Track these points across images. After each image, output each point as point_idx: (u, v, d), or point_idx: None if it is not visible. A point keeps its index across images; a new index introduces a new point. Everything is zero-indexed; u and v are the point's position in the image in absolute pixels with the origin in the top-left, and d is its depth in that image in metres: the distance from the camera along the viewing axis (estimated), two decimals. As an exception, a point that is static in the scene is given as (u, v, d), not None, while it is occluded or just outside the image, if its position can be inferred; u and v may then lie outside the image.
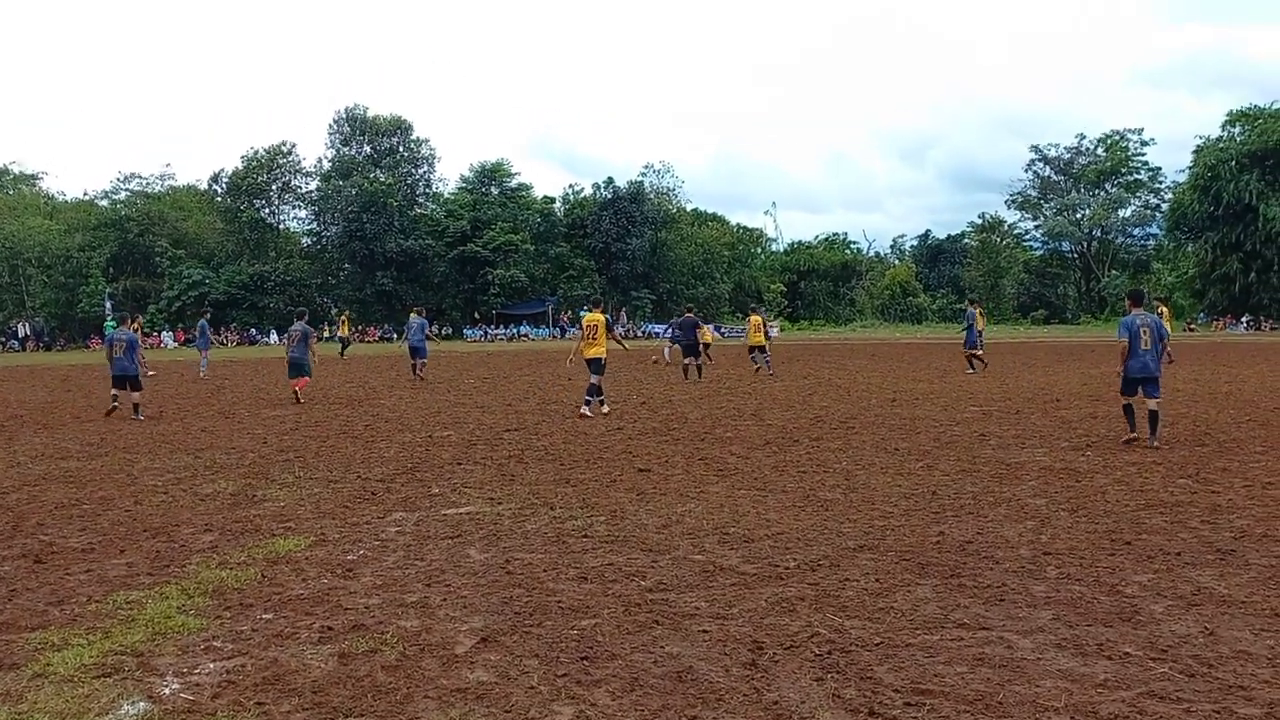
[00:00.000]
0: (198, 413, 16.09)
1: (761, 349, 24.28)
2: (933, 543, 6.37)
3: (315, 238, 72.74)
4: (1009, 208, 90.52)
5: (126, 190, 70.33)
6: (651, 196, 74.26)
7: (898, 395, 17.05)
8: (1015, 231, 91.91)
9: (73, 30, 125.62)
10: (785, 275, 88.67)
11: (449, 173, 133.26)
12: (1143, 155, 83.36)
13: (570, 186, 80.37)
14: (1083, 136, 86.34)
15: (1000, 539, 6.44)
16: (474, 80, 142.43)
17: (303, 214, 72.77)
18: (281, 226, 72.88)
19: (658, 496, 8.10)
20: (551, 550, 6.33)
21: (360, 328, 60.50)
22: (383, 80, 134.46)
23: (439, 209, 72.08)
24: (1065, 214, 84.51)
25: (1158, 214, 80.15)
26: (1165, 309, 27.18)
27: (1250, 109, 65.34)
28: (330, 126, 72.21)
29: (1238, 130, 65.00)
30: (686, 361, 22.38)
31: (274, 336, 60.38)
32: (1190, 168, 67.20)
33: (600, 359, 14.53)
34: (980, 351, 23.40)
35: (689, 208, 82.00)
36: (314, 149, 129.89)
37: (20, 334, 58.66)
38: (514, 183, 73.63)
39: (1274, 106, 63.48)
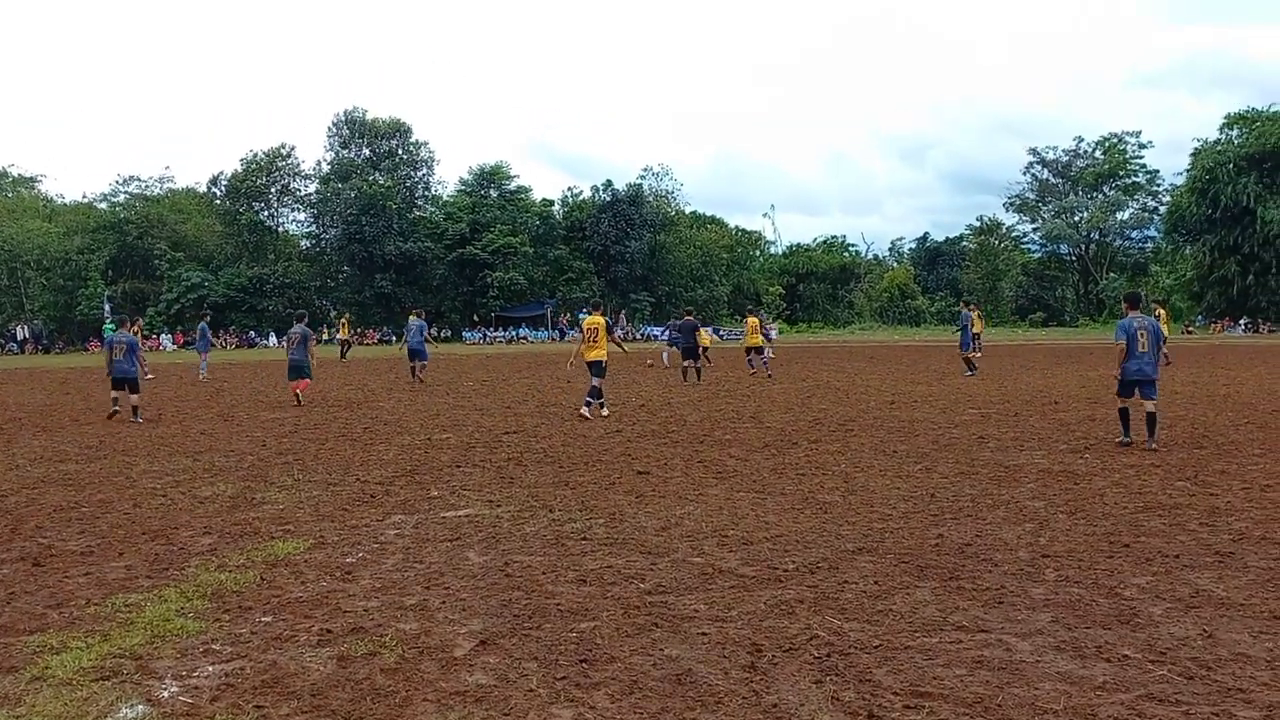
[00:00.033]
0: (197, 415, 16.08)
1: (759, 350, 24.30)
2: (931, 545, 6.37)
3: (314, 240, 72.74)
4: (1007, 210, 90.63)
5: (125, 193, 70.41)
6: (650, 199, 74.27)
7: (896, 398, 17.06)
8: (1013, 234, 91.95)
9: (72, 33, 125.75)
10: (784, 278, 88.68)
11: (448, 175, 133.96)
12: (1140, 158, 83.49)
13: (569, 189, 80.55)
14: (1081, 139, 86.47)
15: (999, 541, 6.45)
16: (473, 83, 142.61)
17: (302, 217, 72.82)
18: (280, 229, 72.86)
19: (656, 499, 8.10)
20: (550, 553, 6.33)
21: (359, 330, 60.50)
22: (382, 83, 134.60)
23: (438, 211, 72.09)
24: (1063, 216, 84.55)
25: (1156, 217, 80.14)
26: (1163, 311, 27.22)
27: (1248, 112, 65.39)
28: (329, 129, 72.26)
29: (1236, 133, 65.02)
30: (686, 364, 22.40)
31: (273, 339, 60.39)
32: (1188, 170, 67.21)
33: (601, 362, 14.59)
34: (972, 354, 23.42)
35: (688, 210, 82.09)
36: (313, 152, 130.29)
37: (19, 337, 58.64)
38: (513, 185, 73.67)
39: (1272, 109, 63.52)
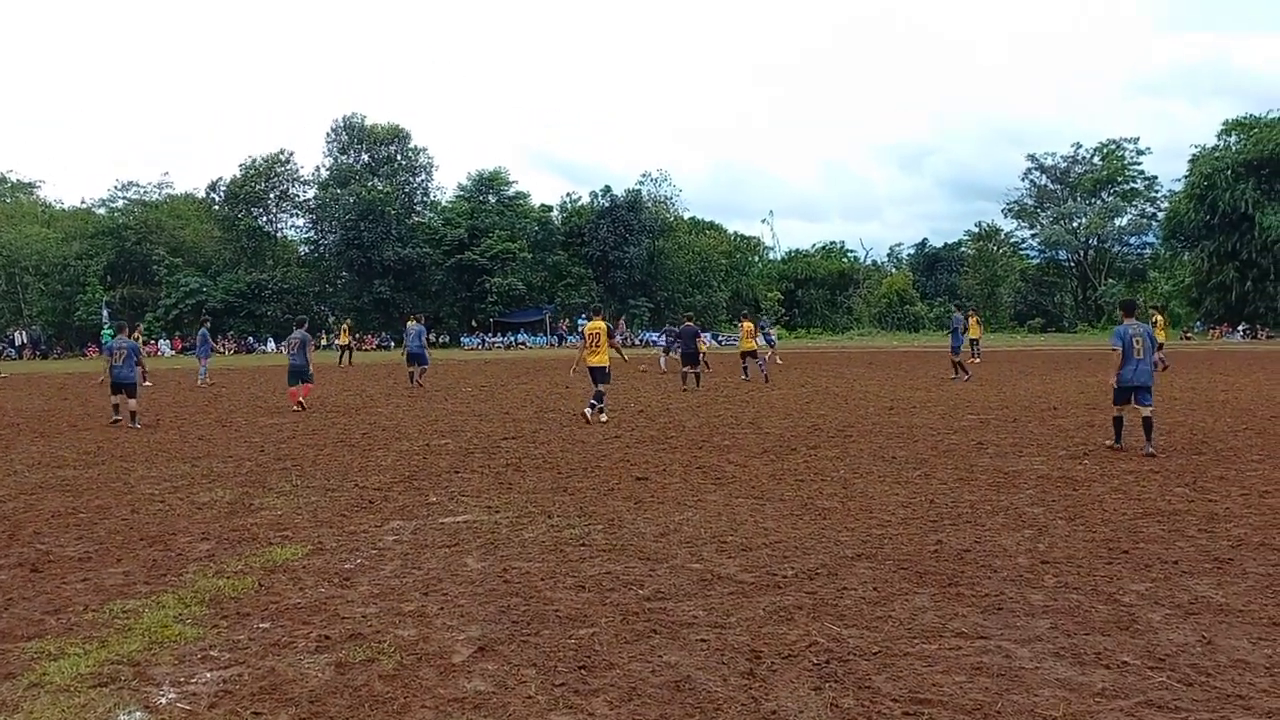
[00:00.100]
0: (195, 421, 16.07)
1: (753, 354, 24.30)
2: (930, 551, 6.37)
3: (313, 246, 72.79)
4: (1006, 216, 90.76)
5: (124, 198, 70.47)
6: (649, 205, 74.32)
7: (895, 403, 17.06)
8: (1012, 240, 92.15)
9: (71, 39, 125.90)
10: (782, 284, 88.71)
11: (447, 181, 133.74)
12: (1139, 164, 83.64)
13: (568, 195, 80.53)
14: (1079, 145, 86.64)
15: (998, 547, 6.44)
16: (472, 89, 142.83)
17: (300, 222, 72.88)
18: (279, 235, 72.90)
19: (655, 505, 8.10)
20: (549, 559, 6.32)
21: (358, 336, 60.52)
22: (381, 89, 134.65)
23: (436, 217, 72.09)
24: (1062, 223, 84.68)
25: (1154, 223, 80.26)
26: (1160, 317, 27.28)
27: (1246, 118, 65.57)
28: (328, 135, 72.32)
29: (1234, 139, 65.21)
30: (685, 370, 22.39)
31: (271, 344, 60.35)
32: (1186, 177, 67.36)
33: (604, 368, 14.65)
34: (960, 359, 23.46)
35: (686, 216, 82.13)
36: (312, 157, 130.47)
37: (17, 342, 58.59)
38: (511, 191, 73.69)
39: (1270, 116, 63.70)
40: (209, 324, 31.26)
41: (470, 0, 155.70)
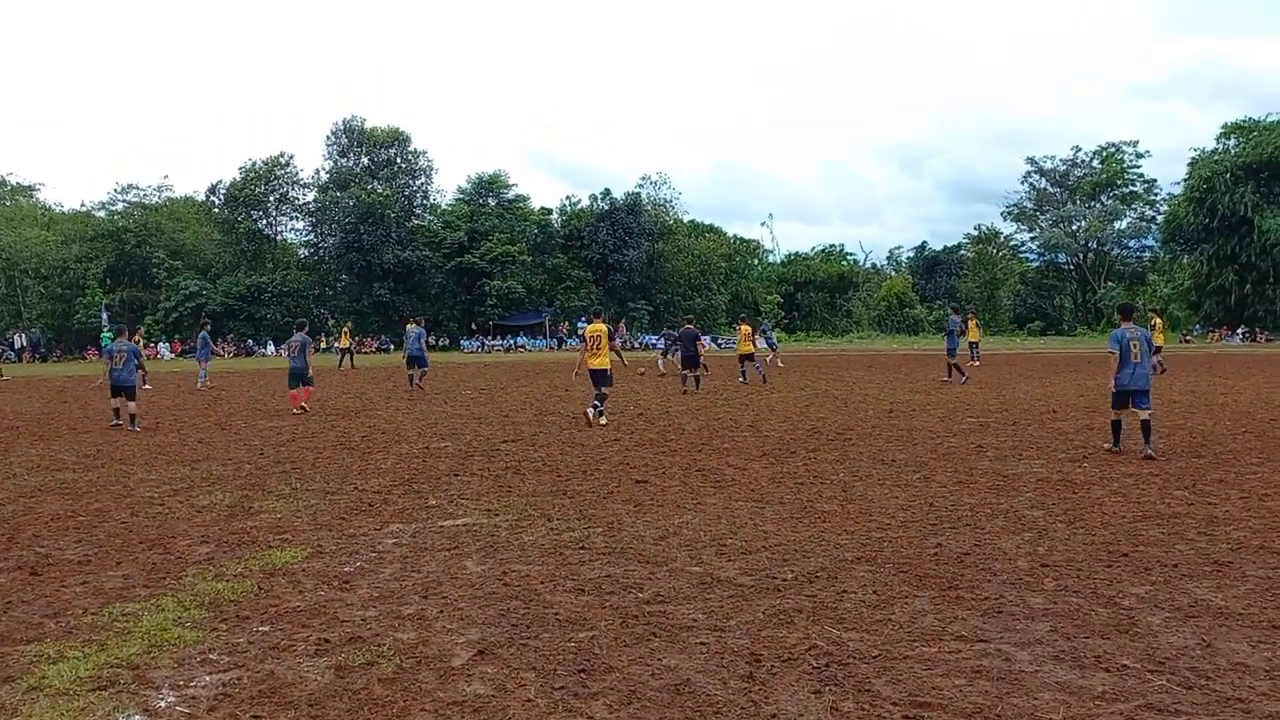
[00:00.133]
0: (194, 424, 16.06)
1: (751, 358, 24.31)
2: (930, 554, 6.37)
3: (312, 249, 72.81)
4: (1005, 219, 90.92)
5: (124, 201, 70.50)
6: (648, 208, 74.40)
7: (894, 406, 17.06)
8: (1011, 243, 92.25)
9: (71, 43, 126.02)
10: (782, 286, 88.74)
11: (446, 184, 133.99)
12: (1138, 167, 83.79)
13: (567, 198, 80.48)
14: (1078, 149, 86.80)
15: (998, 551, 6.44)
16: (471, 92, 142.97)
17: (300, 225, 72.92)
18: (279, 238, 72.94)
19: (655, 508, 8.10)
20: (549, 562, 6.32)
21: (358, 339, 60.52)
22: (381, 92, 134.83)
23: (436, 220, 72.13)
24: (1061, 226, 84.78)
25: (1153, 226, 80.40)
26: (1159, 320, 27.30)
27: (1245, 121, 65.66)
28: (328, 138, 72.35)
29: (1233, 142, 65.28)
30: (685, 373, 22.38)
31: (271, 347, 60.35)
32: (1186, 180, 67.45)
33: (606, 371, 14.66)
34: (956, 361, 23.47)
35: (686, 219, 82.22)
36: (312, 160, 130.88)
37: (16, 345, 58.59)
38: (511, 194, 73.75)
39: (1269, 119, 63.80)
40: (209, 327, 31.26)
41: (470, 2, 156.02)
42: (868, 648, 4.58)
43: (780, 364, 32.30)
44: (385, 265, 65.30)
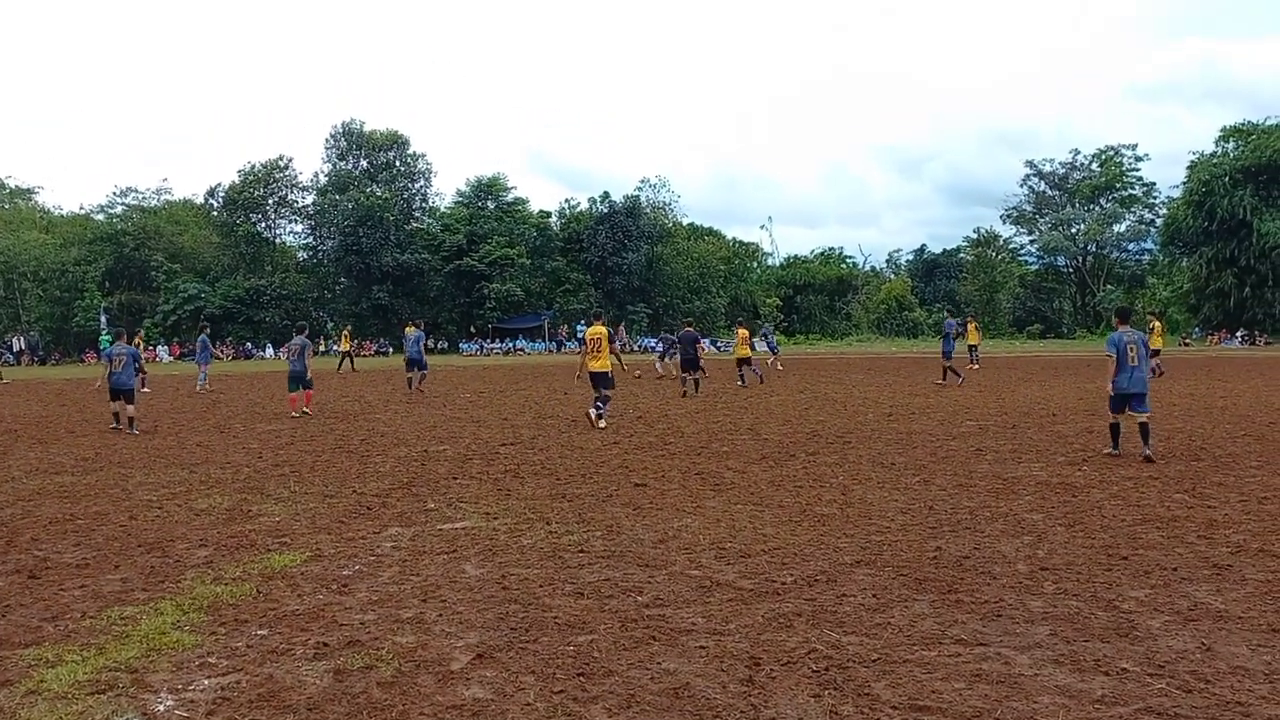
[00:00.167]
0: (193, 427, 16.05)
1: (749, 362, 24.32)
2: (930, 558, 6.37)
3: (311, 252, 72.76)
4: (1004, 222, 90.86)
5: (123, 204, 70.39)
6: (647, 211, 74.39)
7: (894, 409, 17.06)
8: (1010, 246, 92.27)
9: (70, 46, 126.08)
10: (781, 289, 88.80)
11: (445, 187, 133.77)
12: (1137, 170, 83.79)
13: (566, 201, 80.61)
14: (1077, 152, 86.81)
15: (997, 554, 6.44)
16: (471, 95, 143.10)
17: (299, 228, 72.82)
18: (277, 241, 72.89)
19: (654, 511, 8.09)
20: (548, 565, 6.31)
21: (357, 342, 60.53)
22: (380, 95, 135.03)
23: (435, 223, 72.10)
24: (1060, 229, 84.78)
25: (1152, 229, 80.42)
26: (1158, 323, 27.30)
27: (1244, 125, 65.69)
28: (327, 141, 72.27)
29: (1232, 146, 65.32)
30: (685, 376, 22.38)
31: (270, 350, 60.35)
32: (1184, 183, 67.46)
33: (607, 373, 14.69)
34: (952, 364, 23.45)
35: (685, 222, 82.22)
36: (310, 164, 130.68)
37: (15, 348, 58.56)
38: (510, 197, 73.71)
39: (1268, 122, 63.85)
40: (208, 330, 31.25)
41: (469, 5, 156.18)
42: (867, 651, 4.57)
43: (780, 368, 32.30)
44: (384, 268, 65.28)
